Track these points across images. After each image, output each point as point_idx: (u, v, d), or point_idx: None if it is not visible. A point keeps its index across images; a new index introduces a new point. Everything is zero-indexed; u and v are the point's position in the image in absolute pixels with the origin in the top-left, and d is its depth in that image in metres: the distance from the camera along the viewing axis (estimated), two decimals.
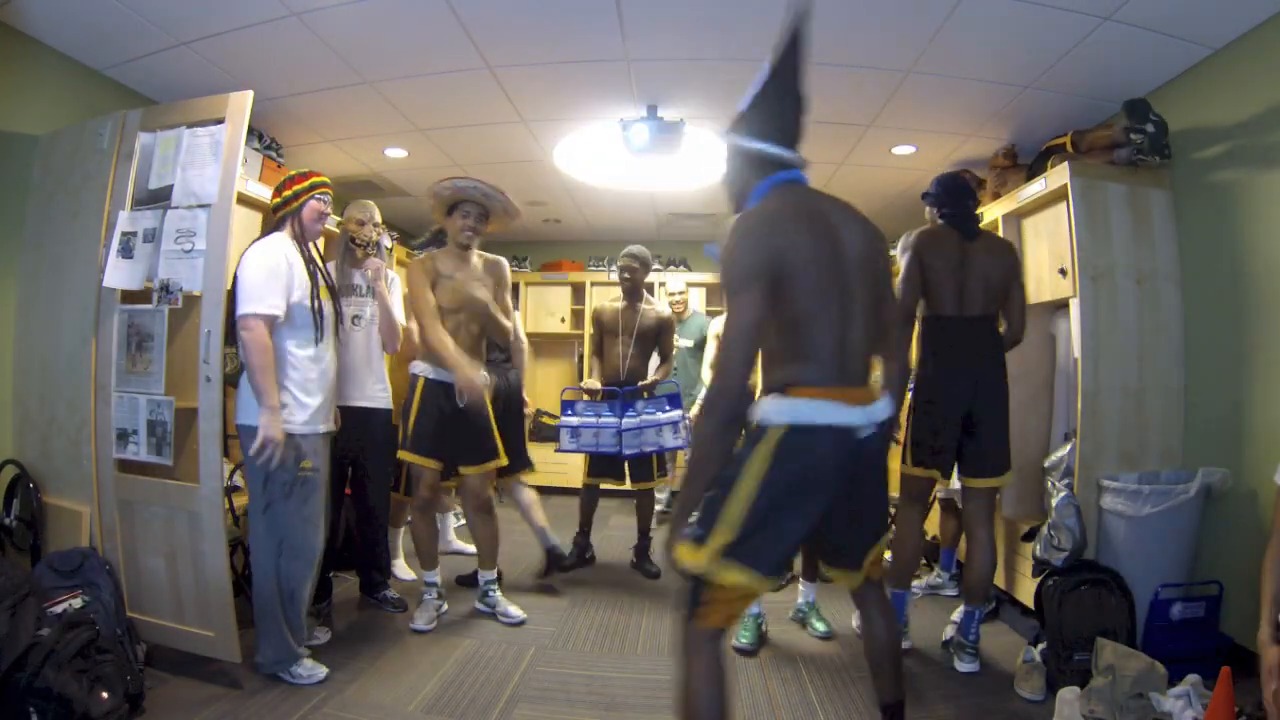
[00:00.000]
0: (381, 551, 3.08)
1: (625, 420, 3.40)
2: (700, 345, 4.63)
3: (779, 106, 1.58)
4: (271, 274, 2.17)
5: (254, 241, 2.28)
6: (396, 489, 3.27)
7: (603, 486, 3.63)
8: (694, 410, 4.33)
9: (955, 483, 3.02)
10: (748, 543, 1.38)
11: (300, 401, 2.22)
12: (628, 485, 3.66)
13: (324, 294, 2.35)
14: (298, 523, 2.23)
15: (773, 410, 1.41)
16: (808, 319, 1.43)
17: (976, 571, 2.46)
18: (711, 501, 1.41)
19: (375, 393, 2.89)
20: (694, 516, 1.43)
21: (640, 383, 3.57)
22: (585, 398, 3.64)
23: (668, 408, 3.48)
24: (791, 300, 1.40)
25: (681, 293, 4.73)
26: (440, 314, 2.69)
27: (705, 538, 1.40)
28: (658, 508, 4.47)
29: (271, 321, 2.15)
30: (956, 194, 2.57)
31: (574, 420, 3.50)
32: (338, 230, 3.01)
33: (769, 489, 1.37)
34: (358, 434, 2.74)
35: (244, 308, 2.13)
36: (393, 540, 3.47)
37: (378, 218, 2.92)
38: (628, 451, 3.41)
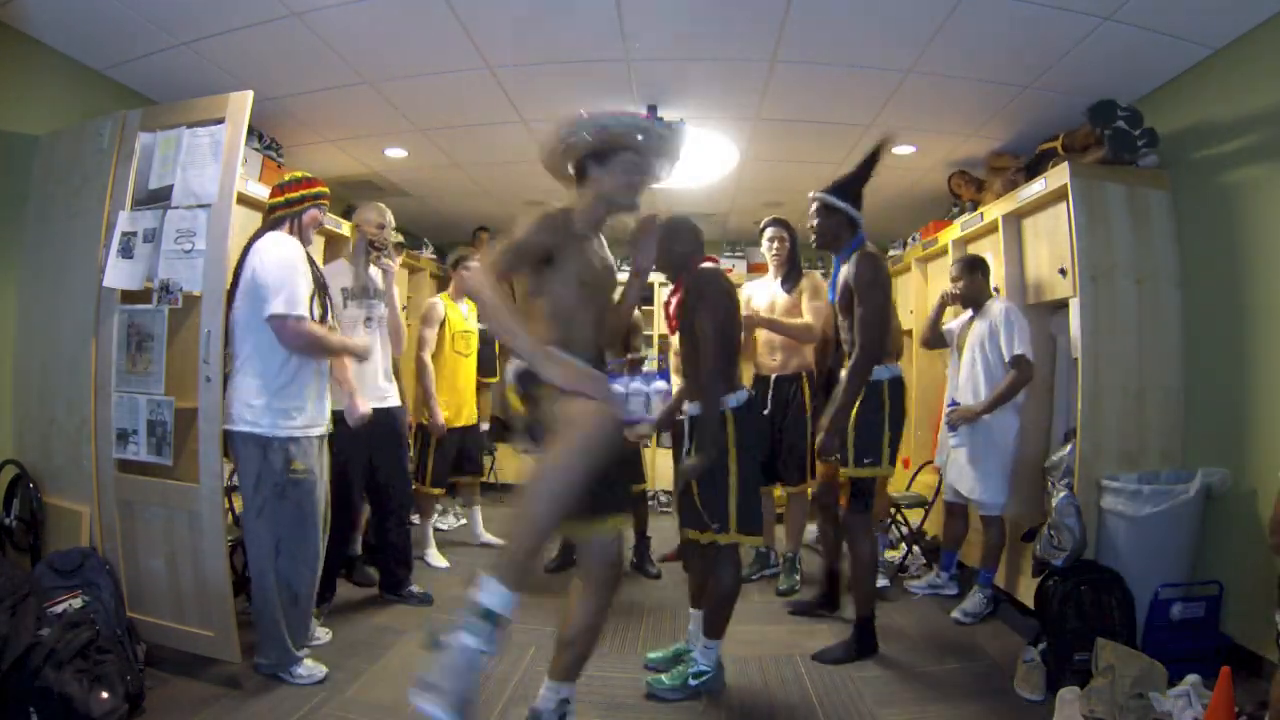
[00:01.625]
0: (405, 548, 3.10)
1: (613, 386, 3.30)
2: None
3: (860, 191, 2.55)
4: (303, 274, 2.21)
5: (259, 235, 2.27)
6: (421, 481, 3.51)
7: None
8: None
9: (958, 486, 3.02)
10: (891, 450, 2.56)
11: (293, 405, 2.22)
12: None
13: (320, 297, 2.36)
14: (293, 525, 2.23)
15: (882, 371, 2.52)
16: (894, 321, 2.76)
17: None
18: (869, 439, 2.52)
19: (387, 391, 2.95)
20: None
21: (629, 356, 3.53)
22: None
23: (657, 379, 3.42)
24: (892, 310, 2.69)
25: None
26: (581, 290, 1.82)
27: (879, 459, 2.53)
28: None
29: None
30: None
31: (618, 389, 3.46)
32: (352, 230, 3.05)
33: (893, 418, 2.55)
34: (370, 433, 2.74)
35: (285, 308, 2.12)
36: (423, 531, 3.67)
37: (391, 220, 2.97)
38: None
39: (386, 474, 2.97)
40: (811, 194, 2.60)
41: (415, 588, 3.08)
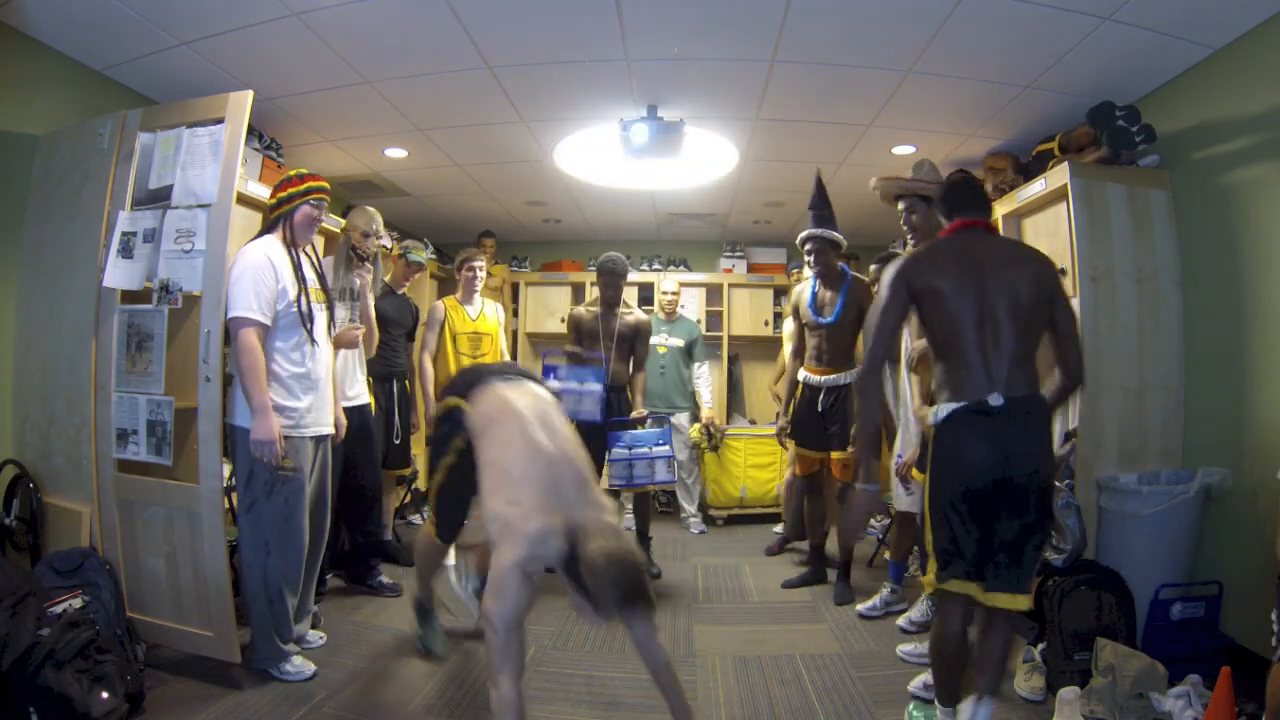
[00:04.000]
0: (379, 538, 3.21)
1: (615, 450, 3.38)
2: (690, 348, 4.62)
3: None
4: (257, 279, 2.17)
5: (247, 243, 2.28)
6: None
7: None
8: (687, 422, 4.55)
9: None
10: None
11: (284, 404, 2.22)
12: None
13: (318, 297, 2.35)
14: (280, 521, 2.24)
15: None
16: None
17: None
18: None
19: (360, 392, 3.07)
20: None
21: (631, 413, 3.56)
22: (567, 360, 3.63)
23: (660, 442, 3.47)
24: None
25: (674, 293, 4.69)
26: None
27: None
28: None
29: (261, 328, 2.16)
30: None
31: (555, 385, 3.49)
32: (340, 232, 3.08)
33: None
34: (348, 434, 2.76)
35: (233, 311, 2.15)
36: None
37: (381, 227, 3.00)
38: (615, 482, 3.37)
39: (359, 467, 3.08)
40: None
41: (385, 578, 3.15)
